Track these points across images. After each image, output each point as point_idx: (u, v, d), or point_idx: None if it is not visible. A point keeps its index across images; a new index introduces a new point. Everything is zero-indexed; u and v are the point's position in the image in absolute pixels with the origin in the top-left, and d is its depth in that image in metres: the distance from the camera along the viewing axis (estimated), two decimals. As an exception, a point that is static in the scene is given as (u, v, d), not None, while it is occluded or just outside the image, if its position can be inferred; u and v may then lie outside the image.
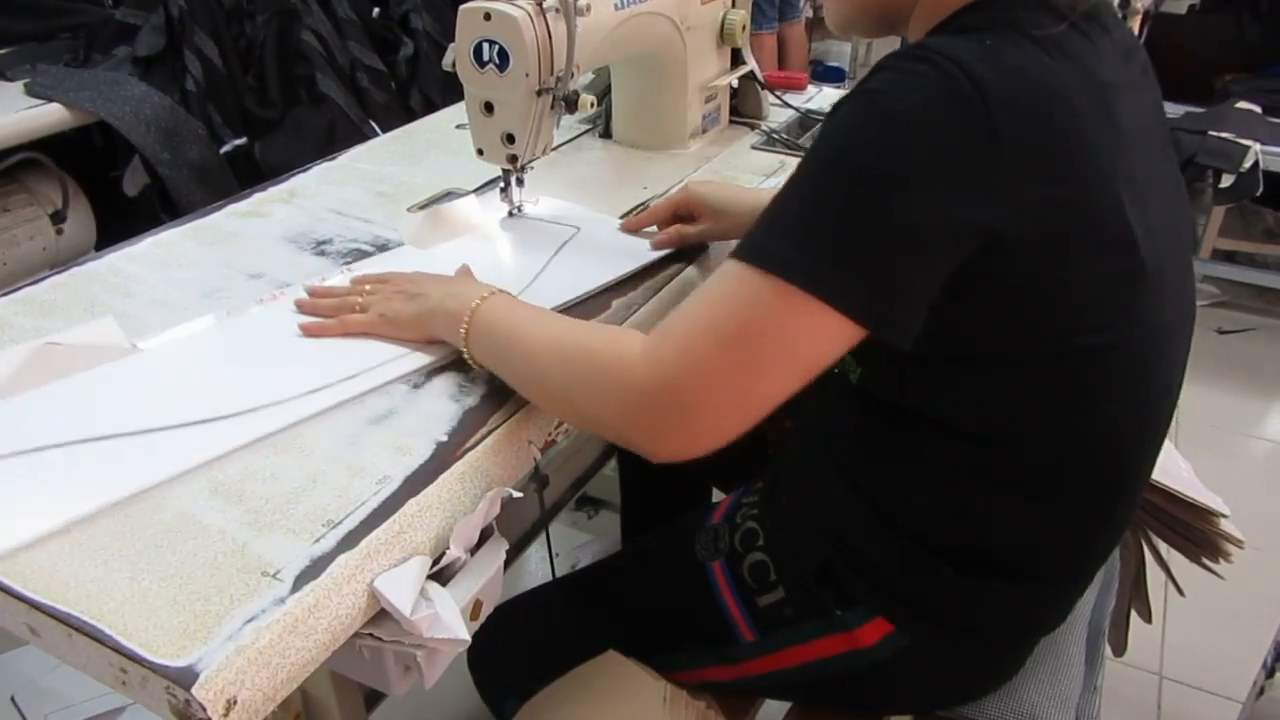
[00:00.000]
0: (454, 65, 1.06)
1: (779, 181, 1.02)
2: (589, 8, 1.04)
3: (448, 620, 0.69)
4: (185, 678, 0.59)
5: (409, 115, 2.01)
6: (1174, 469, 1.17)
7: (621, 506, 1.55)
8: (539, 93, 1.04)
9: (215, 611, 0.64)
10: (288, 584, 0.66)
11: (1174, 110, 2.78)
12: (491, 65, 1.03)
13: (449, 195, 1.25)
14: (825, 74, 4.26)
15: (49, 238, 1.76)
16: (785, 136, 1.47)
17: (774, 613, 0.92)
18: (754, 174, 1.34)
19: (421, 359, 0.89)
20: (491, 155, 1.10)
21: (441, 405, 0.84)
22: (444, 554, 0.74)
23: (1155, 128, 0.80)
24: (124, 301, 0.99)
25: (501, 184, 1.16)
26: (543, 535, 0.97)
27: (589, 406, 0.77)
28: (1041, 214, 0.68)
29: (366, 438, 0.80)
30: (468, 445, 0.80)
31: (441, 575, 0.73)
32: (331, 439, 0.80)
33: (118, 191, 1.86)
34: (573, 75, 1.05)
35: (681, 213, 1.13)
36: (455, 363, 0.88)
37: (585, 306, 0.99)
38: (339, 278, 1.03)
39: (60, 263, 1.72)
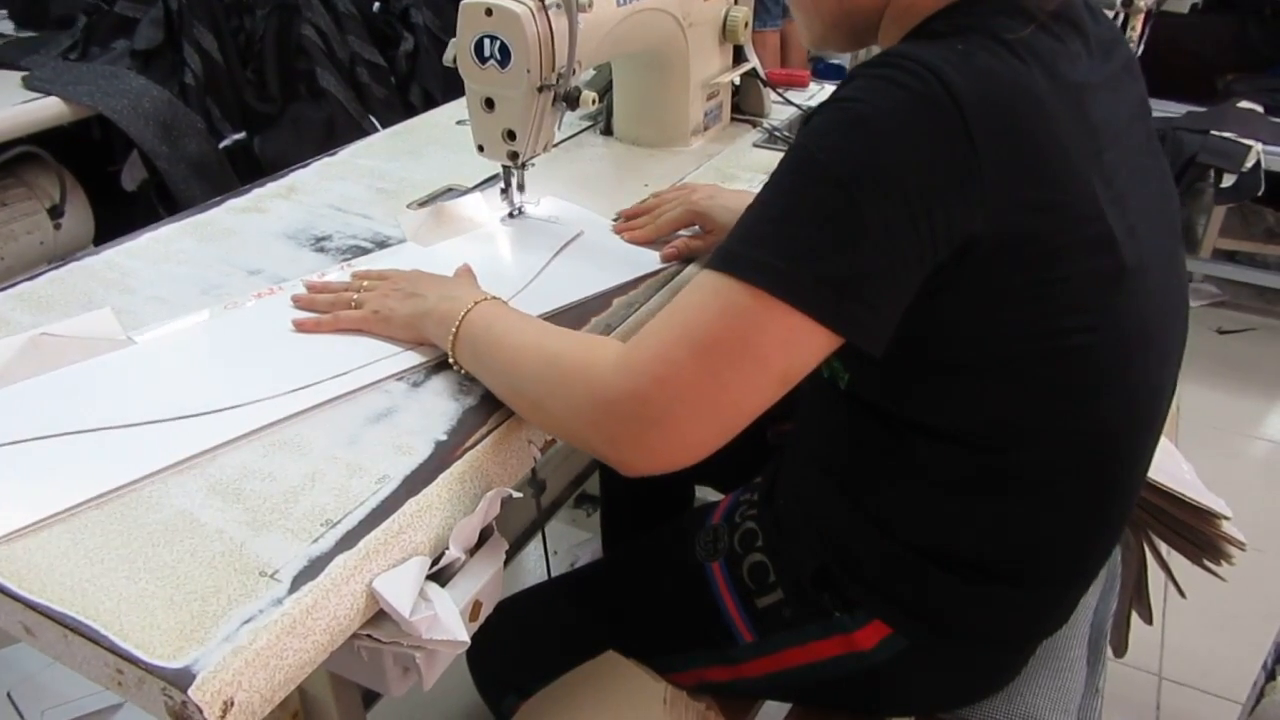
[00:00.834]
0: (455, 61, 1.06)
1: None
2: (591, 4, 1.04)
3: (447, 621, 0.68)
4: (182, 679, 0.58)
5: (409, 111, 2.01)
6: (1176, 470, 1.17)
7: (602, 513, 1.53)
8: (540, 89, 1.03)
9: (212, 612, 0.63)
10: (286, 584, 0.65)
11: (1176, 109, 2.78)
12: (493, 61, 1.02)
13: (449, 192, 1.25)
14: (827, 71, 4.24)
15: (47, 232, 1.75)
16: (787, 134, 1.46)
17: (773, 614, 0.92)
18: (755, 172, 1.34)
19: (415, 358, 0.88)
20: (492, 152, 1.10)
21: (441, 404, 0.84)
22: (443, 554, 0.73)
23: (1136, 124, 0.79)
24: (122, 297, 0.99)
25: (502, 181, 1.15)
26: (539, 535, 0.96)
27: (562, 415, 0.75)
28: (1018, 218, 0.68)
29: (365, 437, 0.80)
30: (467, 445, 0.79)
31: (441, 576, 0.73)
32: (330, 438, 0.79)
33: (116, 186, 1.86)
34: (574, 72, 1.05)
35: (685, 225, 1.12)
36: (455, 361, 0.88)
37: (586, 304, 0.99)
38: (337, 273, 1.02)
39: (58, 257, 1.72)
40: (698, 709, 0.94)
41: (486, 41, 1.02)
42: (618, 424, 0.71)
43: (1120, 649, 1.34)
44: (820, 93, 1.65)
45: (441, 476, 0.76)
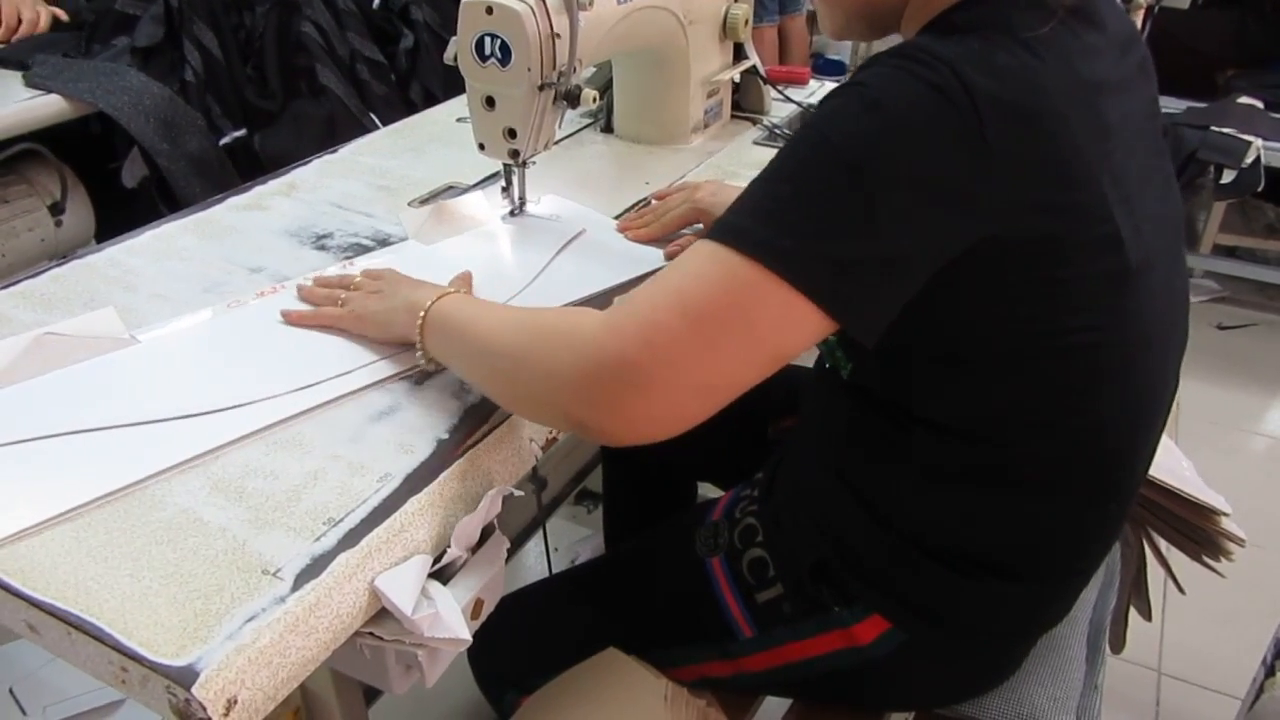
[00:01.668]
0: (455, 59, 1.06)
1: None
2: (591, 2, 1.04)
3: (449, 620, 0.69)
4: (185, 677, 0.58)
5: (409, 108, 2.00)
6: (1175, 467, 1.17)
7: (603, 510, 1.53)
8: (541, 87, 1.03)
9: (215, 610, 0.63)
10: (288, 583, 0.66)
11: (1176, 105, 2.78)
12: (493, 59, 1.02)
13: (450, 189, 1.25)
14: (826, 67, 4.24)
15: (48, 229, 1.75)
16: (787, 131, 1.46)
17: (773, 609, 0.92)
18: (756, 169, 1.31)
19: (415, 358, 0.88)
20: (493, 150, 1.10)
21: (443, 402, 0.84)
22: (445, 552, 0.73)
23: (1147, 124, 0.79)
24: (124, 295, 0.99)
25: (503, 179, 1.15)
26: (540, 532, 0.97)
27: (538, 383, 0.72)
28: (1027, 218, 0.68)
29: (367, 435, 0.80)
30: (469, 443, 0.80)
31: (442, 574, 0.73)
32: (332, 436, 0.80)
33: (116, 183, 1.86)
34: (575, 69, 1.05)
35: (690, 223, 1.12)
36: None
37: (591, 301, 0.99)
38: (337, 269, 1.03)
39: (59, 254, 1.72)
40: (698, 705, 0.94)
41: (487, 39, 1.02)
42: (598, 387, 0.68)
43: (1119, 645, 1.35)
44: (820, 90, 1.65)
45: (443, 475, 0.76)
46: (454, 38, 1.04)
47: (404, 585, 0.68)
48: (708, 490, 1.40)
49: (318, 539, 0.69)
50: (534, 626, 1.05)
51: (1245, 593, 1.81)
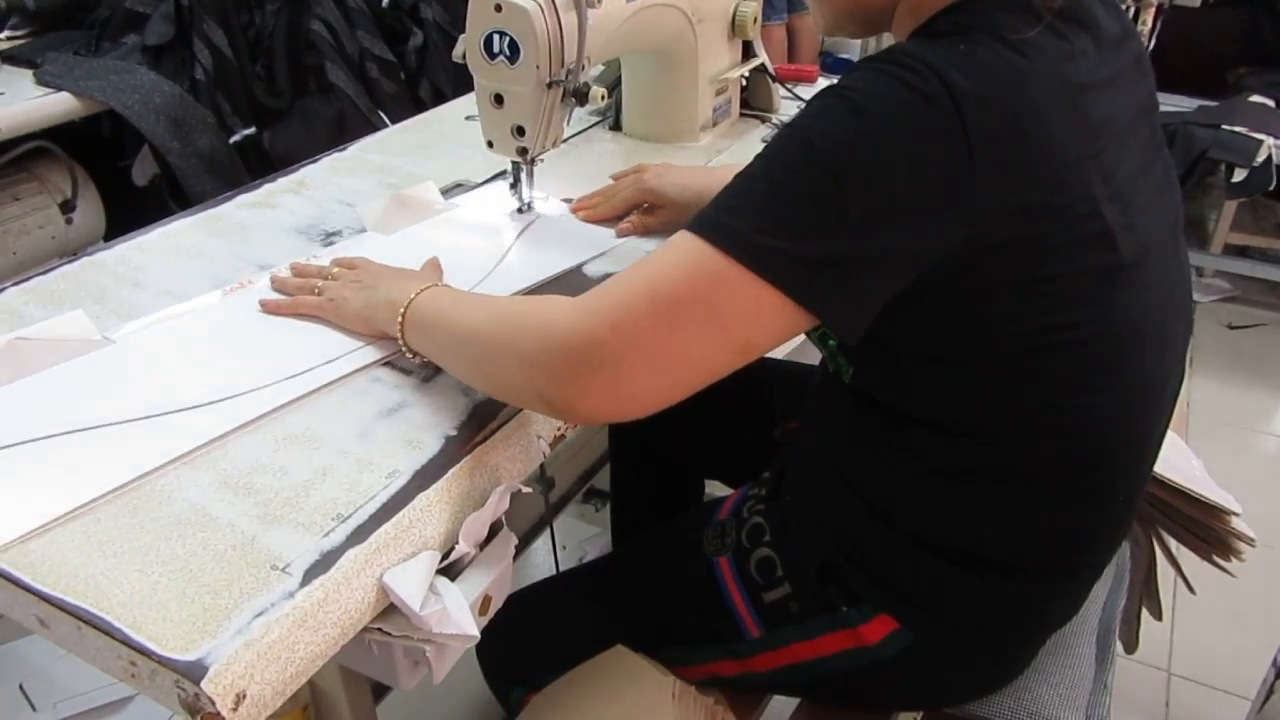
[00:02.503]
0: (464, 57, 1.06)
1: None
2: (600, 0, 1.04)
3: (457, 616, 0.69)
4: (195, 671, 0.59)
5: (418, 106, 2.01)
6: (1185, 466, 1.17)
7: (611, 508, 1.53)
8: (549, 85, 1.03)
9: (224, 605, 0.63)
10: (297, 578, 0.66)
11: (1187, 104, 2.77)
12: (502, 57, 1.02)
13: (458, 187, 1.25)
14: (835, 65, 4.24)
15: (58, 227, 1.76)
16: (796, 129, 1.46)
17: (780, 608, 0.92)
18: (765, 167, 1.33)
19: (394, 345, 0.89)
20: (501, 147, 1.10)
21: (451, 399, 0.84)
22: (453, 549, 0.73)
23: (1141, 121, 0.79)
24: (134, 292, 0.99)
25: (511, 177, 1.16)
26: (548, 530, 0.97)
27: (512, 363, 0.74)
28: (1009, 221, 0.68)
29: (376, 431, 0.80)
30: (477, 440, 0.80)
31: (450, 570, 0.73)
32: (340, 432, 0.80)
33: (127, 181, 1.86)
34: (583, 67, 1.05)
35: (639, 204, 1.13)
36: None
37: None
38: (303, 259, 1.03)
39: (69, 252, 1.73)
40: (706, 703, 0.94)
41: (496, 37, 1.02)
42: (565, 364, 0.70)
43: (1132, 645, 1.34)
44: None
45: (451, 471, 0.76)
46: (463, 35, 1.05)
47: (412, 581, 0.68)
48: (715, 489, 1.40)
49: (326, 534, 0.69)
50: (542, 623, 1.05)
51: (1256, 593, 1.80)
